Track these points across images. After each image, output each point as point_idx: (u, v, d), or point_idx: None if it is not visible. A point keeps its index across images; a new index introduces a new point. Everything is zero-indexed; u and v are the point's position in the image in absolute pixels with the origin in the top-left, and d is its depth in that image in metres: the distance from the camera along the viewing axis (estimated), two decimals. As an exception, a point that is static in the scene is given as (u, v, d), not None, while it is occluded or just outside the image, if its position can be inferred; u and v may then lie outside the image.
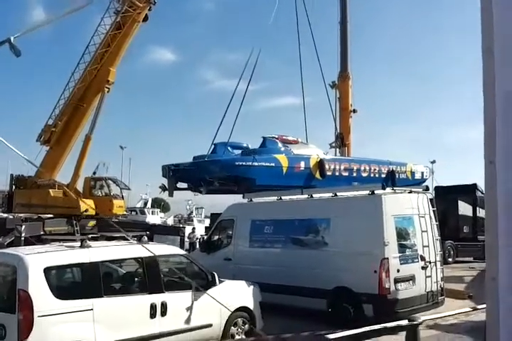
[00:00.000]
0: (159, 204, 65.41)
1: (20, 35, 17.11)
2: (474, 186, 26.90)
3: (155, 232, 22.12)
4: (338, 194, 10.92)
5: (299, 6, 21.48)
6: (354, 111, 26.65)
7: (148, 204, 57.74)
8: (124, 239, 8.66)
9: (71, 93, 22.07)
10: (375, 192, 10.15)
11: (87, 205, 20.88)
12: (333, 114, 24.98)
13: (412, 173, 21.01)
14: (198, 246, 16.15)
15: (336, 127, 24.72)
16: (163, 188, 17.13)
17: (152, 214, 49.62)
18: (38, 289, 6.34)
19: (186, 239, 24.88)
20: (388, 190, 10.32)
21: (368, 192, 10.31)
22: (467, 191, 24.40)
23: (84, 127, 22.68)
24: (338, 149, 24.92)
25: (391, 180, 18.70)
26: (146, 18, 22.26)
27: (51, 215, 21.60)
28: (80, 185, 22.69)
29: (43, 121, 22.55)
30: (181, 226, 30.48)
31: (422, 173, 21.64)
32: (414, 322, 5.01)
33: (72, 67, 22.28)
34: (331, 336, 5.11)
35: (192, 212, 58.96)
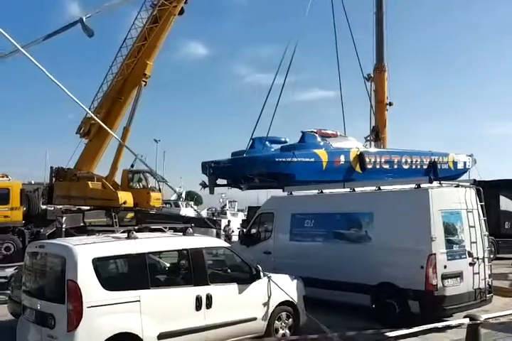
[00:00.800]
0: (192, 197, 65.77)
1: (91, 15, 17.25)
2: (516, 180, 26.23)
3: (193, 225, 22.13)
4: (381, 187, 10.67)
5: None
6: (390, 104, 26.21)
7: (182, 197, 58.04)
8: (163, 231, 8.60)
9: (109, 86, 22.19)
10: (422, 185, 9.88)
11: (125, 197, 21.08)
12: (371, 107, 24.69)
13: (455, 163, 20.51)
14: (233, 238, 16.08)
15: (370, 120, 24.36)
16: (204, 185, 17.10)
17: (186, 206, 49.88)
18: (87, 280, 6.37)
19: (222, 232, 24.90)
20: (435, 183, 10.03)
21: (413, 185, 10.04)
22: (509, 186, 23.76)
23: (122, 120, 22.88)
24: (373, 143, 24.57)
25: (433, 171, 18.29)
26: (181, 12, 22.18)
27: (90, 207, 21.85)
28: (118, 178, 22.89)
29: (82, 114, 22.77)
30: (216, 219, 30.47)
31: (465, 163, 21.09)
32: (477, 321, 4.81)
33: (110, 60, 22.46)
34: (391, 334, 4.93)
35: (225, 205, 58.99)
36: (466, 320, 4.77)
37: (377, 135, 24.68)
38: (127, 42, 22.15)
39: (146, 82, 22.30)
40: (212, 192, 17.65)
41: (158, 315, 6.80)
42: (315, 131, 18.09)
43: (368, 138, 24.66)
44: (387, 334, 5.20)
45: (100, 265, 6.68)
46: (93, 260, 6.51)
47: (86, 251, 6.61)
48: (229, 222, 30.10)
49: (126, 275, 7.12)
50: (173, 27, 22.42)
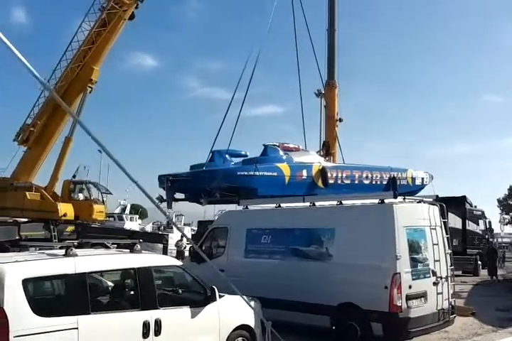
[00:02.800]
0: (137, 211, 64.00)
1: None
2: (463, 198, 26.59)
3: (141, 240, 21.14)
4: (343, 202, 10.14)
5: (288, 14, 21.04)
6: (340, 120, 26.23)
7: (127, 211, 56.32)
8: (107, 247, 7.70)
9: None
10: (385, 201, 9.41)
11: (65, 209, 19.85)
12: (321, 123, 24.60)
13: (413, 179, 20.47)
14: (186, 254, 15.20)
15: (320, 135, 24.24)
16: (161, 199, 16.15)
17: (131, 220, 48.34)
18: (15, 304, 5.41)
19: (173, 247, 23.88)
20: (399, 198, 9.59)
21: (377, 200, 9.56)
22: (456, 203, 24.00)
23: (65, 128, 21.72)
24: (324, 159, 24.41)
25: (393, 186, 18.04)
26: (132, 17, 21.47)
27: (27, 219, 20.48)
28: (58, 189, 21.61)
29: (21, 120, 21.48)
30: (163, 233, 29.31)
31: (423, 179, 21.11)
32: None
33: (54, 64, 21.30)
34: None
35: (172, 219, 57.67)
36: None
37: (327, 150, 24.56)
38: (73, 46, 21.17)
39: (91, 88, 21.35)
40: (170, 206, 16.75)
41: (98, 345, 5.90)
42: (277, 144, 17.59)
43: (319, 154, 24.48)
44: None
45: (32, 287, 5.74)
46: (23, 281, 5.54)
47: (15, 270, 5.63)
48: (182, 236, 28.99)
49: (62, 298, 6.17)
50: (123, 33, 21.64)
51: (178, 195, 16.95)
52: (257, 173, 15.27)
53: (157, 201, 16.17)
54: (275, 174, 15.96)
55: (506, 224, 73.29)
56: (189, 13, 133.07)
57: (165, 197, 16.08)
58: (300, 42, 22.46)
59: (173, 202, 16.81)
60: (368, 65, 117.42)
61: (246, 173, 15.36)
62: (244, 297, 7.89)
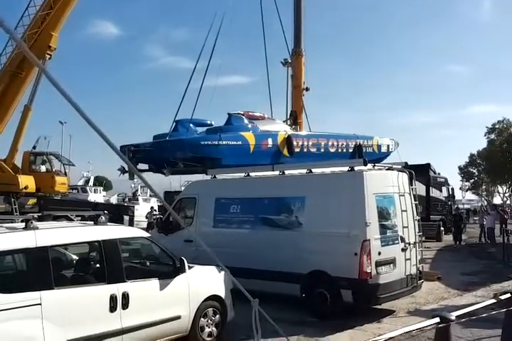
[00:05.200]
0: (101, 183, 63.09)
1: None
2: (428, 166, 26.93)
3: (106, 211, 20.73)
4: (313, 170, 10.00)
5: None
6: (307, 89, 26.02)
7: (91, 183, 55.42)
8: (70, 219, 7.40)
9: (8, 59, 20.16)
10: (355, 168, 9.31)
11: (26, 182, 19.24)
12: (287, 92, 24.36)
13: (379, 147, 20.50)
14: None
15: (287, 105, 24.01)
16: (123, 171, 15.72)
17: (95, 192, 47.62)
18: (-28, 281, 5.13)
19: (140, 219, 23.56)
20: (369, 166, 9.50)
21: (346, 168, 9.45)
22: (420, 171, 24.25)
23: (23, 97, 20.86)
24: (290, 127, 24.27)
25: (358, 154, 18.04)
26: (92, -20, 20.49)
27: (-14, 192, 19.81)
28: (18, 161, 20.89)
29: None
30: (129, 205, 28.89)
31: (388, 146, 21.18)
32: (450, 320, 4.19)
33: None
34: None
35: (137, 190, 57.02)
36: (436, 320, 4.15)
37: (294, 119, 24.40)
38: (29, 11, 20.15)
39: (50, 55, 20.47)
40: (132, 177, 16.37)
41: (64, 320, 5.66)
42: (242, 113, 17.24)
43: (286, 123, 24.31)
44: None
45: (-10, 262, 5.45)
46: (-19, 256, 5.26)
47: (-29, 245, 5.34)
48: (152, 208, 28.59)
49: (24, 273, 5.89)
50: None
51: (142, 166, 16.59)
52: (221, 142, 15.00)
53: (119, 172, 15.83)
54: (240, 143, 15.72)
55: (467, 191, 75.71)
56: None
57: (126, 168, 15.70)
58: (267, 10, 22.00)
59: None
60: (334, 34, 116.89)
61: (210, 143, 15.08)
62: (214, 267, 7.77)
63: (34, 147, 23.06)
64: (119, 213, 21.19)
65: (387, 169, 10.06)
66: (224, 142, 15.09)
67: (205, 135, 16.28)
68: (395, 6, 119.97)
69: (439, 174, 28.41)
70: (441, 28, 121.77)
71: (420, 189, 24.38)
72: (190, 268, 7.35)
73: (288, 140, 16.92)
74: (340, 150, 18.59)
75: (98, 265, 6.52)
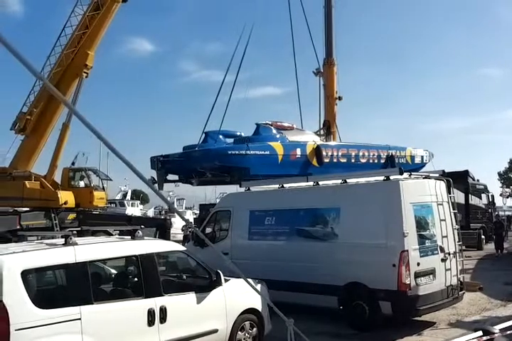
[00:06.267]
0: (138, 196, 63.99)
1: None
2: (466, 173, 26.32)
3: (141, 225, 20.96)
4: (348, 180, 9.92)
5: None
6: (340, 98, 25.98)
7: (128, 196, 56.27)
8: (109, 233, 7.52)
9: (47, 78, 20.65)
10: (391, 177, 9.20)
11: (66, 197, 19.67)
12: (320, 101, 24.40)
13: (412, 157, 20.23)
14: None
15: (320, 114, 24.02)
16: (153, 181, 15.98)
17: (132, 206, 48.30)
18: (15, 297, 5.25)
19: (177, 232, 23.73)
20: (405, 175, 9.37)
21: (382, 177, 9.34)
22: (458, 178, 23.75)
23: (62, 115, 21.41)
24: (324, 137, 24.17)
25: (390, 165, 17.84)
26: (125, -1, 20.95)
27: (28, 208, 20.30)
28: (58, 177, 21.39)
29: (18, 109, 21.19)
30: (166, 218, 29.16)
31: (422, 157, 20.87)
32: (493, 333, 4.07)
33: (48, 50, 20.90)
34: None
35: (173, 203, 57.64)
36: (479, 333, 4.04)
37: (328, 129, 24.32)
38: (66, 31, 20.74)
39: (87, 73, 20.95)
40: (161, 188, 16.60)
41: (103, 335, 5.75)
42: (270, 123, 17.32)
43: (319, 133, 24.26)
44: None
45: (31, 278, 5.58)
46: (22, 273, 5.37)
47: (13, 261, 5.46)
48: (188, 221, 28.77)
49: (64, 289, 6.02)
50: (117, 15, 21.19)
51: (172, 177, 16.80)
52: (248, 152, 15.05)
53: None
54: (267, 153, 15.77)
55: (507, 197, 73.64)
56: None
57: (156, 179, 15.94)
58: (297, 21, 22.15)
59: (164, 184, 16.63)
60: (367, 42, 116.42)
61: (237, 152, 15.18)
62: (250, 280, 7.75)
63: (73, 163, 23.59)
64: (156, 226, 21.39)
65: (424, 178, 9.89)
66: (252, 152, 15.15)
67: (233, 145, 16.39)
68: (427, 12, 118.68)
69: (477, 181, 27.76)
70: (473, 32, 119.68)
71: (459, 197, 23.90)
72: (226, 281, 7.36)
73: (317, 150, 16.89)
74: (371, 160, 18.44)
75: (136, 279, 6.60)
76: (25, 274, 5.40)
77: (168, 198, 60.19)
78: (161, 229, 20.98)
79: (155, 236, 18.90)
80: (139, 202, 55.69)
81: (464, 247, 14.36)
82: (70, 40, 20.45)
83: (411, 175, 9.68)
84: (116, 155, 2.82)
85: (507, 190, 70.87)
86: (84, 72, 20.79)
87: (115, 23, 21.43)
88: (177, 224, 28.28)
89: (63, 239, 6.13)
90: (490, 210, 27.74)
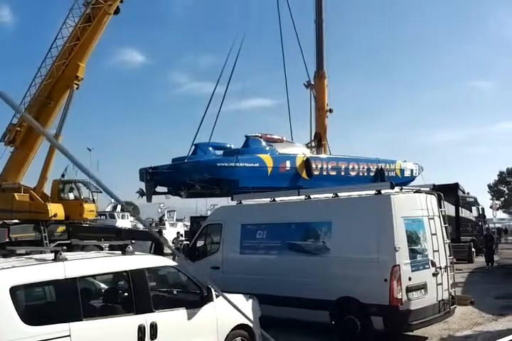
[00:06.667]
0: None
1: None
2: (456, 186, 26.45)
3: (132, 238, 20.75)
4: (339, 194, 9.93)
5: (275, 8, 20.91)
6: (330, 110, 26.08)
7: (118, 208, 55.92)
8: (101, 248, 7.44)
9: (37, 90, 20.62)
10: (382, 191, 9.22)
11: (55, 210, 19.51)
12: (311, 114, 24.49)
13: (402, 171, 20.29)
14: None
15: (311, 127, 24.10)
16: (141, 193, 15.93)
17: (122, 218, 47.95)
18: (3, 313, 5.18)
19: (170, 244, 23.53)
20: (396, 189, 9.40)
21: (373, 191, 9.36)
22: (449, 191, 23.83)
23: (52, 126, 21.30)
24: (315, 149, 24.23)
25: (380, 178, 17.88)
26: (117, 11, 20.98)
27: (17, 221, 20.10)
28: (47, 189, 21.24)
29: (7, 120, 21.06)
30: (160, 230, 28.98)
31: (412, 171, 20.94)
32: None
33: (39, 62, 20.86)
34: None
35: (164, 215, 57.36)
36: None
37: (319, 142, 24.39)
38: (57, 43, 20.72)
39: (78, 85, 20.88)
40: (149, 200, 16.51)
41: (93, 352, 5.67)
42: (260, 135, 17.34)
43: (309, 145, 24.32)
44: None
45: (20, 294, 5.50)
46: (11, 289, 5.30)
47: (2, 278, 5.39)
48: (178, 233, 28.67)
49: (53, 305, 5.94)
50: (109, 27, 21.22)
51: (161, 189, 16.75)
52: (238, 164, 15.05)
53: (138, 195, 16.00)
54: (257, 165, 15.77)
55: (497, 210, 74.03)
56: (176, 8, 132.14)
57: (145, 191, 15.87)
58: (287, 33, 22.31)
59: (153, 196, 16.57)
60: (360, 56, 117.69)
61: (226, 164, 15.18)
62: (242, 295, 7.73)
63: (63, 175, 23.44)
64: (148, 240, 21.21)
65: (414, 192, 9.93)
66: (241, 164, 15.14)
67: (222, 157, 16.39)
68: (420, 26, 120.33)
69: (468, 193, 27.90)
70: (463, 45, 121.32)
71: (449, 209, 23.88)
72: (217, 296, 7.29)
73: (307, 163, 16.90)
74: (361, 173, 18.48)
75: (126, 295, 6.51)
76: (14, 290, 5.32)
77: (159, 210, 60.09)
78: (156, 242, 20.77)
79: (150, 249, 18.78)
80: (129, 213, 55.26)
81: (454, 260, 14.46)
82: (61, 52, 20.40)
83: (402, 189, 9.71)
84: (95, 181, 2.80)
85: (497, 202, 71.46)
86: (75, 84, 20.72)
87: (106, 34, 21.49)
88: (167, 236, 28.16)
89: (53, 254, 6.06)
90: (480, 223, 27.85)
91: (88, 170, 2.76)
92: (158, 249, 19.03)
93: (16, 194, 19.88)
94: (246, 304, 7.80)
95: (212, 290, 7.18)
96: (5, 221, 19.99)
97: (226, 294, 7.41)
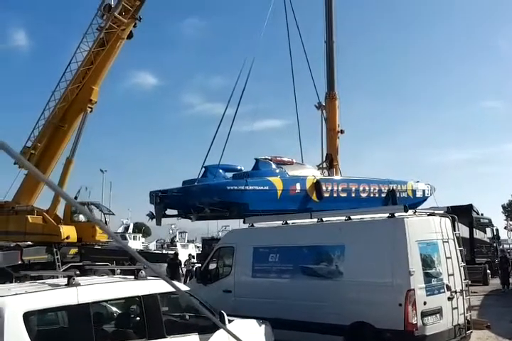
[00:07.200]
0: (140, 229, 63.78)
1: None
2: (470, 207, 26.19)
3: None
4: (352, 217, 9.87)
5: (285, 28, 21.10)
6: (342, 131, 26.04)
7: (130, 230, 56.08)
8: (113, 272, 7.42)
9: (51, 113, 20.90)
10: (396, 214, 9.15)
11: (68, 232, 19.58)
12: (322, 135, 24.49)
13: (413, 191, 20.08)
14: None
15: (322, 148, 24.06)
16: (151, 216, 15.93)
17: (134, 239, 48.07)
18: (16, 339, 5.15)
19: (183, 267, 23.51)
20: (410, 212, 9.33)
21: (387, 214, 9.30)
22: (463, 212, 23.60)
23: (65, 149, 21.52)
24: (326, 171, 24.17)
25: (392, 199, 17.73)
26: (130, 35, 21.38)
27: (30, 243, 20.17)
28: (60, 211, 21.35)
29: (22, 143, 21.32)
30: (167, 252, 28.97)
31: (424, 191, 20.72)
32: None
33: (53, 85, 21.19)
34: None
35: (175, 236, 57.40)
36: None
37: (330, 163, 24.33)
38: (72, 67, 21.07)
39: (91, 108, 21.16)
40: (159, 223, 16.48)
41: (105, 379, 5.63)
42: (269, 158, 17.34)
43: (321, 167, 24.27)
44: None
45: (33, 320, 5.50)
46: (25, 314, 5.30)
47: (16, 303, 5.39)
48: (189, 255, 28.58)
49: (65, 330, 5.92)
50: (122, 51, 21.59)
51: (171, 211, 16.73)
52: (247, 188, 15.03)
53: (148, 217, 16.04)
54: (266, 188, 15.72)
55: (512, 230, 73.03)
56: (187, 30, 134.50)
57: (155, 214, 15.88)
58: (298, 54, 22.46)
59: (163, 218, 16.56)
60: (371, 77, 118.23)
61: (236, 188, 15.15)
62: (255, 321, 7.65)
63: (76, 197, 23.60)
64: (156, 261, 21.16)
65: (428, 215, 9.85)
66: (250, 187, 15.12)
67: (232, 180, 16.38)
68: (431, 46, 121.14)
69: (482, 215, 27.60)
70: (475, 65, 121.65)
71: (463, 231, 23.69)
72: (230, 321, 7.23)
73: (317, 185, 16.82)
74: (372, 195, 18.32)
75: (138, 319, 6.49)
76: (27, 316, 5.32)
77: (171, 231, 60.12)
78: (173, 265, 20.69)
79: (167, 272, 18.73)
80: (140, 235, 55.45)
81: (469, 282, 14.27)
82: (75, 76, 20.71)
83: (416, 212, 9.64)
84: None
85: (511, 223, 70.61)
86: (89, 107, 20.99)
87: (120, 58, 21.85)
88: (180, 257, 28.13)
89: (66, 279, 6.07)
90: (495, 244, 27.48)
91: (86, 210, 2.77)
92: (174, 272, 18.97)
93: (29, 216, 20.00)
94: (259, 329, 7.73)
95: (225, 315, 7.13)
96: (18, 243, 20.07)
97: (238, 319, 7.41)
